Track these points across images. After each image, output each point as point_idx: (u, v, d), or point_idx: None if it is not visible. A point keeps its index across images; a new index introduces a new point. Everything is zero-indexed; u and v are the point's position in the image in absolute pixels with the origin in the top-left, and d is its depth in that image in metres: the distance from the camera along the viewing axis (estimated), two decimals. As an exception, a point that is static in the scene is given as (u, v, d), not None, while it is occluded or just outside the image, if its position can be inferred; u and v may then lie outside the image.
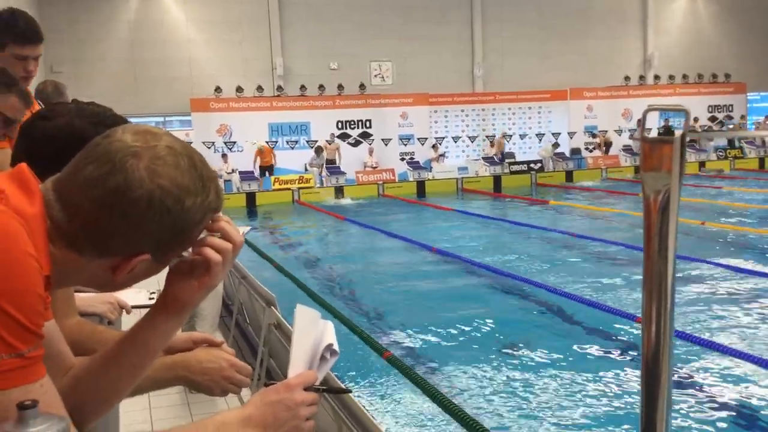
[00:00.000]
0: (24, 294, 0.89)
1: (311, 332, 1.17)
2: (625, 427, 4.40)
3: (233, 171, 19.53)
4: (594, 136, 23.27)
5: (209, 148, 19.39)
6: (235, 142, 20.40)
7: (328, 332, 1.19)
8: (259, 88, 21.16)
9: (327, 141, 20.73)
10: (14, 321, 0.88)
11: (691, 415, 4.57)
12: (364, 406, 2.78)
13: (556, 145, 22.56)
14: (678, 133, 0.81)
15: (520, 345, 6.07)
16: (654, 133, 0.77)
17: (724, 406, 4.70)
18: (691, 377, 5.15)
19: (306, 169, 20.24)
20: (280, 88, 21.72)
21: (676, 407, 4.62)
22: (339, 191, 19.44)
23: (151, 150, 0.99)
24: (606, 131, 23.13)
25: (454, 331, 6.48)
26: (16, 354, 0.88)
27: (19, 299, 0.89)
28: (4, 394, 0.88)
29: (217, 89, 20.46)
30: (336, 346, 1.19)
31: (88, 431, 1.15)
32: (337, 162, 20.45)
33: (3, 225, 0.90)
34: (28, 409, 0.85)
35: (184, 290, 1.08)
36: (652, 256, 0.86)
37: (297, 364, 1.16)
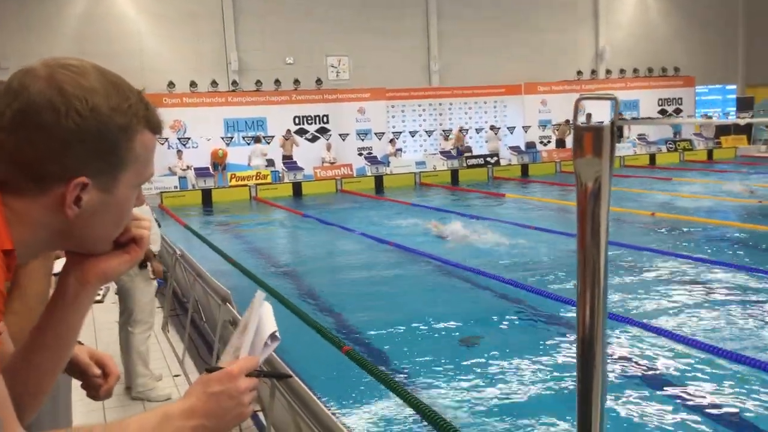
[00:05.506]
0: None
1: (257, 318, 1.18)
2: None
3: (188, 168, 19.23)
4: (563, 122, 23.09)
5: (162, 144, 18.97)
6: (189, 138, 20.07)
7: (268, 316, 1.20)
8: (214, 83, 20.87)
9: (284, 136, 20.57)
10: None
11: (630, 394, 4.70)
12: (317, 394, 2.78)
13: (494, 128, 23.04)
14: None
15: (478, 335, 6.15)
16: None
17: (662, 386, 4.85)
18: (633, 359, 5.29)
19: (266, 164, 20.03)
20: (235, 83, 21.45)
21: (616, 388, 4.74)
22: (297, 187, 19.31)
23: (51, 65, 0.97)
24: (564, 123, 23.33)
25: (412, 324, 6.51)
26: None
27: None
28: None
29: (170, 84, 20.11)
30: (278, 333, 1.20)
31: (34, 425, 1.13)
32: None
33: None
34: None
35: (111, 262, 1.09)
36: (585, 241, 0.88)
37: (243, 349, 1.15)
